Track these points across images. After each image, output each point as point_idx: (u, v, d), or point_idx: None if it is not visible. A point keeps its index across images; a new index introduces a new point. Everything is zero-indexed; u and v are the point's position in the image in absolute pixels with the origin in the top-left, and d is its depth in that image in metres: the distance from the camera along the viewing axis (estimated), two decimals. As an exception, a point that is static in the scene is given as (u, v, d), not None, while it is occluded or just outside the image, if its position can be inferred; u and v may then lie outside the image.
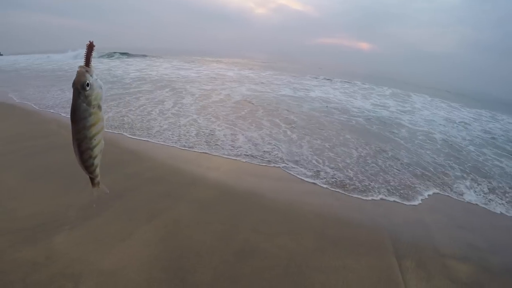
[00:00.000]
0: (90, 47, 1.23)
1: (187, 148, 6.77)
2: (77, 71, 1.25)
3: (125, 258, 3.38)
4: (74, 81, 1.24)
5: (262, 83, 20.85)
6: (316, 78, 28.77)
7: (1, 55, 59.08)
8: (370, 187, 5.75)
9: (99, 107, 1.38)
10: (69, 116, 1.30)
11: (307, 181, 5.72)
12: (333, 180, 5.84)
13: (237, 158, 6.45)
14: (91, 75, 1.28)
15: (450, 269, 3.73)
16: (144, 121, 8.43)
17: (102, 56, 37.31)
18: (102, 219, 4.00)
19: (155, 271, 3.25)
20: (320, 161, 6.74)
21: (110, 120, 8.11)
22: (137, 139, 6.98)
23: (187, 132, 7.79)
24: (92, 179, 1.61)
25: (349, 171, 6.33)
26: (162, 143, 6.88)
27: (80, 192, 4.53)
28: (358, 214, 4.74)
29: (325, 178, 5.88)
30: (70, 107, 1.28)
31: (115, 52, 40.31)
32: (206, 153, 6.68)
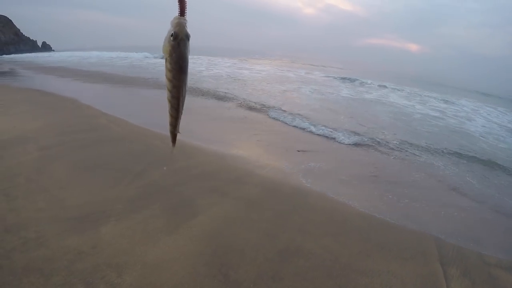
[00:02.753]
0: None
1: (234, 144, 6.35)
2: (177, 22, 1.06)
3: (169, 252, 3.00)
4: (177, 31, 1.06)
5: (325, 85, 20.49)
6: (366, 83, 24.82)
7: (53, 50, 60.30)
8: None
9: None
10: (175, 68, 1.10)
11: (355, 184, 5.29)
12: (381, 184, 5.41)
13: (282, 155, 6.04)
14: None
15: (495, 279, 3.22)
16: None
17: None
18: (149, 212, 3.63)
19: (199, 266, 2.87)
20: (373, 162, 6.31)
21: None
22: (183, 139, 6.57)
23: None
24: (175, 136, 1.34)
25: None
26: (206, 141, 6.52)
27: (128, 185, 4.22)
28: (404, 218, 4.26)
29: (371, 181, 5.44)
30: (175, 58, 1.08)
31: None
32: (252, 150, 6.33)
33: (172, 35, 1.06)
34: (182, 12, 1.08)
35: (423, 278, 3.07)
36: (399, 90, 22.25)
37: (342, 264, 3.11)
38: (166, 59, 1.10)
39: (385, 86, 23.12)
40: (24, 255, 2.79)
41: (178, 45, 1.07)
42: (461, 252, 3.58)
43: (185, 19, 1.08)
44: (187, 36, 1.08)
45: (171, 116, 1.24)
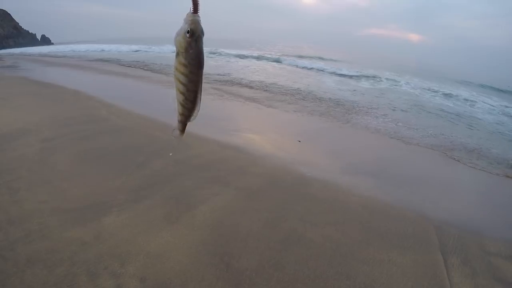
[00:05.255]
0: None
1: (235, 135, 6.35)
2: (192, 19, 1.10)
3: (172, 242, 3.00)
4: (193, 28, 1.09)
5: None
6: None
7: (52, 44, 59.89)
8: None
9: None
10: (193, 63, 1.15)
11: (354, 173, 5.26)
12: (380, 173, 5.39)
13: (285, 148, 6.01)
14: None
15: (496, 268, 3.22)
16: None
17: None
18: (151, 202, 3.62)
19: (202, 255, 2.86)
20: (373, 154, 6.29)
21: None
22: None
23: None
24: (185, 126, 1.40)
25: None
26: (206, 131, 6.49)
27: (130, 175, 4.20)
28: (405, 207, 4.24)
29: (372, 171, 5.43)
30: (193, 54, 1.13)
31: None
32: (254, 140, 6.28)
33: (188, 32, 1.09)
34: (195, 9, 1.10)
35: (423, 267, 3.06)
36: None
37: (343, 253, 3.11)
38: (178, 54, 1.14)
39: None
40: (27, 246, 2.78)
41: (195, 42, 1.11)
42: (462, 241, 3.57)
43: (198, 16, 1.10)
44: (202, 33, 1.11)
45: (184, 107, 1.27)
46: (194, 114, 1.31)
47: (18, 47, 45.88)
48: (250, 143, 6.03)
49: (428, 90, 19.26)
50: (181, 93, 1.22)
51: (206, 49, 1.14)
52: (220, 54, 29.51)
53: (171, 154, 4.15)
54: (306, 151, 6.06)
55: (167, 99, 9.91)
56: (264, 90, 12.78)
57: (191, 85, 1.19)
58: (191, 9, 1.10)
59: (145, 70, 17.14)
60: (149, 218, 3.33)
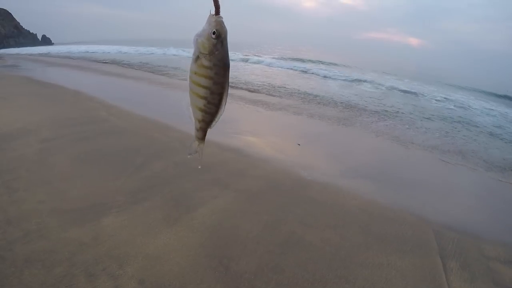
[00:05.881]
0: None
1: (235, 137, 6.31)
2: (216, 20, 1.08)
3: (171, 244, 2.99)
4: (219, 29, 1.07)
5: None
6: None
7: (53, 44, 59.98)
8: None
9: None
10: (219, 65, 1.12)
11: (354, 176, 5.24)
12: (380, 177, 5.37)
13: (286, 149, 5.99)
14: None
15: (495, 272, 3.21)
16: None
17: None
18: (150, 204, 3.61)
19: (200, 257, 2.85)
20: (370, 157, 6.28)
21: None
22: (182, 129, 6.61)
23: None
24: (205, 133, 1.35)
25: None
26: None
27: (129, 177, 4.20)
28: (405, 211, 4.23)
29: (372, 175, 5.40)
30: (219, 56, 1.10)
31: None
32: (254, 143, 6.27)
33: (214, 33, 1.07)
34: (217, 10, 1.08)
35: (422, 271, 3.06)
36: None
37: (342, 256, 3.10)
38: (200, 56, 1.11)
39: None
40: (25, 246, 2.77)
41: (221, 43, 1.09)
42: (461, 245, 3.56)
43: (222, 17, 1.09)
44: (226, 34, 1.09)
45: (207, 113, 1.23)
46: (217, 118, 1.27)
47: (18, 46, 45.92)
48: (250, 145, 6.02)
49: (428, 94, 19.24)
50: (202, 97, 1.18)
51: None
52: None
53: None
54: (306, 154, 6.06)
55: (167, 101, 9.95)
56: (265, 94, 12.78)
57: (217, 88, 1.16)
58: (212, 10, 1.09)
59: (146, 71, 17.17)
60: (148, 220, 3.32)
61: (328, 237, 3.36)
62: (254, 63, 27.06)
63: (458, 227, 4.01)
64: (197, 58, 1.12)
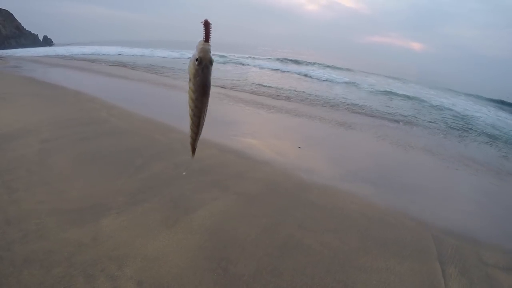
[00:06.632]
0: (208, 25, 1.10)
1: (236, 139, 6.32)
2: (202, 47, 1.12)
3: (170, 245, 2.99)
4: (202, 56, 1.12)
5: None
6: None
7: (54, 45, 60.14)
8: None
9: None
10: (198, 90, 1.20)
11: (354, 180, 5.24)
12: (380, 181, 5.37)
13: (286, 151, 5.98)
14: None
15: (493, 279, 3.21)
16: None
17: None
18: (150, 205, 3.62)
19: (199, 259, 2.86)
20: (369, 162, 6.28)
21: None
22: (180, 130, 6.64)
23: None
24: (195, 148, 1.48)
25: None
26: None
27: (129, 178, 4.21)
28: (404, 216, 4.23)
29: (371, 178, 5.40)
30: (199, 82, 1.17)
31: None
32: (254, 145, 6.27)
33: (197, 60, 1.12)
34: (207, 37, 1.11)
35: (421, 276, 3.06)
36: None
37: (341, 260, 3.11)
38: (189, 80, 1.18)
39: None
40: (24, 247, 2.78)
41: (202, 70, 1.14)
42: (460, 251, 3.57)
43: (209, 45, 1.12)
44: (210, 62, 1.14)
45: (192, 131, 1.35)
46: (197, 139, 1.40)
47: (20, 47, 46.00)
48: (250, 148, 6.03)
49: (428, 98, 19.31)
50: (190, 117, 1.29)
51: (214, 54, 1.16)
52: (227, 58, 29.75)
53: (184, 173, 4.21)
54: (306, 157, 6.06)
55: (168, 102, 9.97)
56: (266, 96, 12.82)
57: (196, 111, 1.25)
58: (203, 36, 1.11)
59: (147, 73, 17.22)
60: (147, 221, 3.33)
61: (327, 241, 3.37)
62: (254, 66, 27.10)
63: (457, 232, 4.01)
64: (189, 80, 1.19)
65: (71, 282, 2.47)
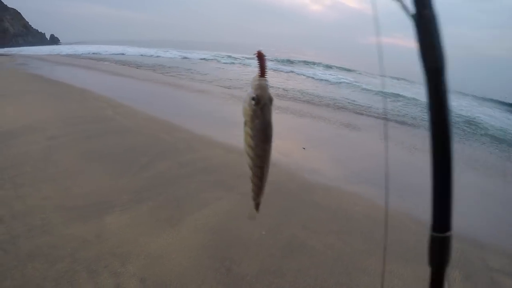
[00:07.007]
0: (262, 57, 0.92)
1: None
2: (258, 83, 0.94)
3: (173, 243, 3.00)
4: (259, 95, 0.93)
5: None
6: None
7: (60, 43, 60.73)
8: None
9: None
10: (258, 136, 0.97)
11: (358, 181, 5.22)
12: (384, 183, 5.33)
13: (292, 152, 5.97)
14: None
15: (498, 284, 3.18)
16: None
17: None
18: (154, 204, 3.64)
19: (203, 258, 2.86)
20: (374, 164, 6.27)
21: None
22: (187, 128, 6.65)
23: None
24: (258, 204, 1.17)
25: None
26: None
27: (133, 176, 4.24)
28: (409, 218, 4.18)
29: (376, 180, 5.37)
30: (258, 125, 0.95)
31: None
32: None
33: (253, 99, 0.95)
34: (262, 71, 0.95)
35: (425, 280, 3.03)
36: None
37: (344, 262, 3.09)
38: (245, 123, 0.99)
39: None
40: (29, 241, 2.81)
41: (261, 111, 0.96)
42: (465, 255, 3.53)
43: (266, 80, 0.96)
44: (270, 100, 0.97)
45: (254, 184, 1.09)
46: (261, 194, 1.11)
47: (27, 45, 46.38)
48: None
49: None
50: (249, 167, 1.05)
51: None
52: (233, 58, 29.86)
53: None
54: (310, 158, 6.05)
55: (173, 101, 10.01)
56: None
57: (258, 160, 1.02)
58: (258, 71, 0.95)
59: (152, 72, 17.30)
60: (151, 219, 3.34)
61: (331, 242, 3.36)
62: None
63: (462, 236, 3.97)
64: (244, 124, 1.00)
65: (75, 277, 2.48)
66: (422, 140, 9.04)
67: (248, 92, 0.95)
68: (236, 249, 3.06)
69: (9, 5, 54.76)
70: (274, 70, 25.23)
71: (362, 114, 11.93)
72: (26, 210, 3.25)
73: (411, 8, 0.59)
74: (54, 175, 4.06)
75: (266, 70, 0.94)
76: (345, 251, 3.26)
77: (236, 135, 6.50)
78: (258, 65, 0.93)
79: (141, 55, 30.54)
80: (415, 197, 4.95)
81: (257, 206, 1.16)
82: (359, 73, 31.41)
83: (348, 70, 32.32)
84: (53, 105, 7.53)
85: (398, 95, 18.40)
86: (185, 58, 29.36)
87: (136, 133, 5.99)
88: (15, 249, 2.69)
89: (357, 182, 5.17)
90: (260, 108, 0.94)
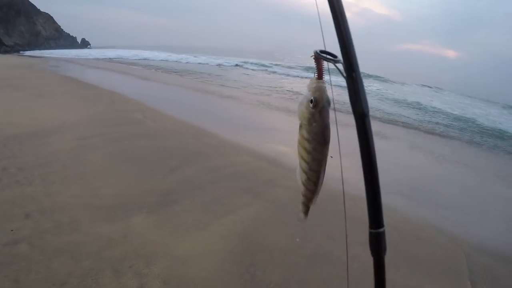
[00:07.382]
0: (319, 59, 0.92)
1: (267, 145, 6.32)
2: (316, 86, 0.92)
3: (198, 247, 2.97)
4: (317, 97, 0.90)
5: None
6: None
7: (90, 47, 62.60)
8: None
9: None
10: (317, 139, 0.94)
11: (386, 192, 5.08)
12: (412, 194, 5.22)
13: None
14: None
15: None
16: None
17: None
18: (181, 207, 3.63)
19: (227, 264, 2.82)
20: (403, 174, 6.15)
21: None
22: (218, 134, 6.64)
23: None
24: (308, 208, 1.11)
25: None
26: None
27: (161, 179, 4.26)
28: (436, 231, 4.04)
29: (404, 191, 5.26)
30: (316, 128, 0.92)
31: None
32: (286, 153, 6.17)
33: (311, 102, 0.92)
34: (319, 74, 0.94)
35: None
36: None
37: (370, 274, 2.97)
38: (301, 126, 0.96)
39: None
40: (56, 237, 2.84)
41: (319, 114, 0.93)
42: (492, 271, 3.35)
43: (324, 82, 0.94)
44: (328, 102, 0.93)
45: (307, 189, 1.04)
46: (314, 199, 1.07)
47: (58, 48, 47.95)
48: (282, 155, 5.95)
49: (463, 108, 18.79)
50: (303, 171, 1.01)
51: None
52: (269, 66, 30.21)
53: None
54: (337, 167, 5.95)
55: (203, 106, 10.10)
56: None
57: (314, 164, 0.98)
58: (315, 74, 0.94)
59: (182, 77, 17.56)
60: (177, 223, 3.33)
61: (356, 254, 3.25)
62: (285, 74, 27.21)
63: (490, 251, 3.79)
64: (300, 127, 0.96)
65: (99, 275, 2.48)
66: (451, 150, 8.83)
67: (304, 94, 0.93)
68: (261, 256, 3.00)
69: (42, 10, 56.81)
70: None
71: (390, 123, 11.72)
72: (55, 207, 3.30)
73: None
74: (83, 174, 4.12)
75: (323, 72, 0.93)
76: (371, 263, 3.15)
77: (264, 141, 6.50)
78: (316, 68, 0.93)
79: (173, 60, 31.14)
80: (444, 209, 4.80)
81: (306, 211, 1.12)
82: (384, 81, 31.07)
83: (374, 77, 32.02)
84: (83, 106, 7.73)
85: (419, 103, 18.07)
86: (219, 64, 29.82)
87: (164, 137, 6.06)
88: (42, 244, 2.73)
89: (385, 193, 5.02)
90: (319, 111, 0.92)
